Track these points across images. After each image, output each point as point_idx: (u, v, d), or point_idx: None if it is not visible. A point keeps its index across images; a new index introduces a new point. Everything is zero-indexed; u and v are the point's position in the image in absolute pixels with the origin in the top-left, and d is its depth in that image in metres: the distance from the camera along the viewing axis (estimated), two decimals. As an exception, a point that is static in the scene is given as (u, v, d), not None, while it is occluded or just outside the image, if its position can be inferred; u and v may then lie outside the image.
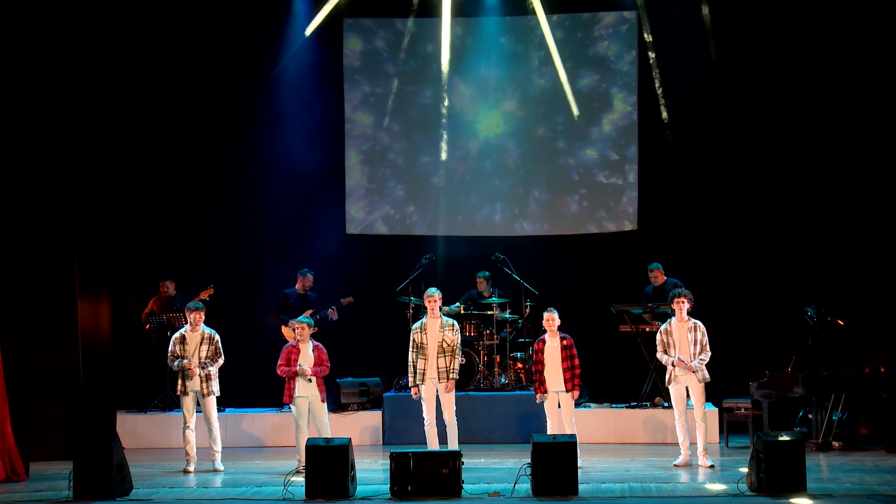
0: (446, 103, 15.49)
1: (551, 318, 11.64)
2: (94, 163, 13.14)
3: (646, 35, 15.02)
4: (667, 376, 11.67)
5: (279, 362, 11.50)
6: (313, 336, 11.69)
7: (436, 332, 11.44)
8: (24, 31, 12.17)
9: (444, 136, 15.53)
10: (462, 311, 14.07)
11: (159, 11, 14.57)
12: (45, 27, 12.45)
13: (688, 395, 11.62)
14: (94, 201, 13.10)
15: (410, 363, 11.52)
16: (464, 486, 9.78)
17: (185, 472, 11.57)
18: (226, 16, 15.02)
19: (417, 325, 11.58)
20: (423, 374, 11.43)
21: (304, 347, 11.50)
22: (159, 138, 15.03)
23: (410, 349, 11.55)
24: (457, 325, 11.60)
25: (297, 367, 11.36)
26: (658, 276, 13.90)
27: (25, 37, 12.18)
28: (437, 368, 11.40)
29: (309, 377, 11.38)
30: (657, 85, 15.00)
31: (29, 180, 11.98)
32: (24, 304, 11.71)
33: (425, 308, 11.62)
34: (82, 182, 12.88)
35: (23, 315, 11.67)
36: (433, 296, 11.51)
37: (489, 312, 14.01)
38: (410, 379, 11.52)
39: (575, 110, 15.22)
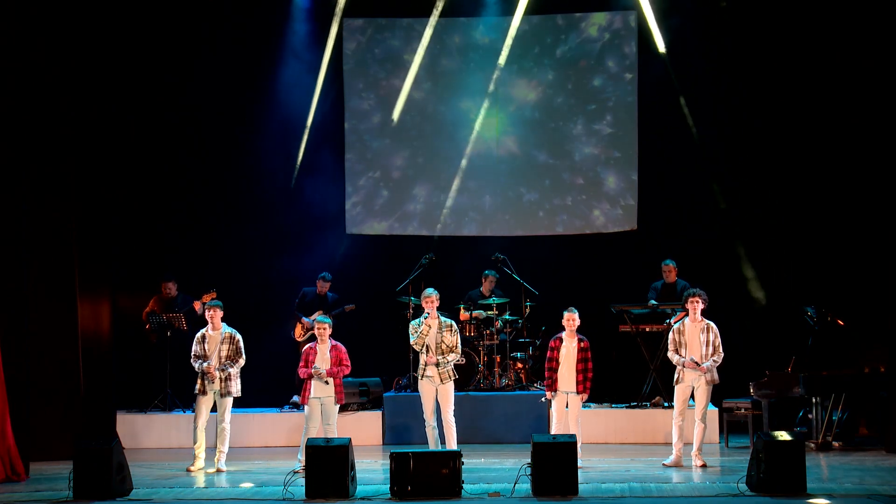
0: (446, 103, 15.50)
1: (571, 319, 11.56)
2: (94, 163, 13.14)
3: (645, 35, 15.04)
4: (675, 375, 11.65)
5: (300, 364, 11.47)
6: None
7: (434, 333, 11.42)
8: (24, 31, 12.17)
9: (444, 136, 15.54)
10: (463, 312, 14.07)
11: (159, 11, 14.58)
12: (45, 27, 12.45)
13: (692, 397, 11.60)
14: (94, 201, 13.09)
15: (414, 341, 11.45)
16: (464, 486, 9.77)
17: (188, 470, 11.54)
18: (226, 16, 15.03)
19: (415, 322, 11.53)
20: (424, 368, 11.41)
21: (322, 348, 11.43)
22: (159, 138, 15.03)
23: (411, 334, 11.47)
24: (455, 326, 11.57)
25: (312, 370, 11.33)
26: (671, 273, 13.88)
27: (25, 37, 12.18)
28: (438, 369, 11.39)
29: (325, 380, 11.32)
30: (657, 84, 15.03)
31: (29, 180, 11.98)
32: (24, 304, 11.71)
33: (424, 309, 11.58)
34: (82, 182, 12.87)
35: (23, 315, 11.67)
36: (430, 296, 11.44)
37: (489, 313, 14.01)
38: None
39: (573, 110, 15.26)
